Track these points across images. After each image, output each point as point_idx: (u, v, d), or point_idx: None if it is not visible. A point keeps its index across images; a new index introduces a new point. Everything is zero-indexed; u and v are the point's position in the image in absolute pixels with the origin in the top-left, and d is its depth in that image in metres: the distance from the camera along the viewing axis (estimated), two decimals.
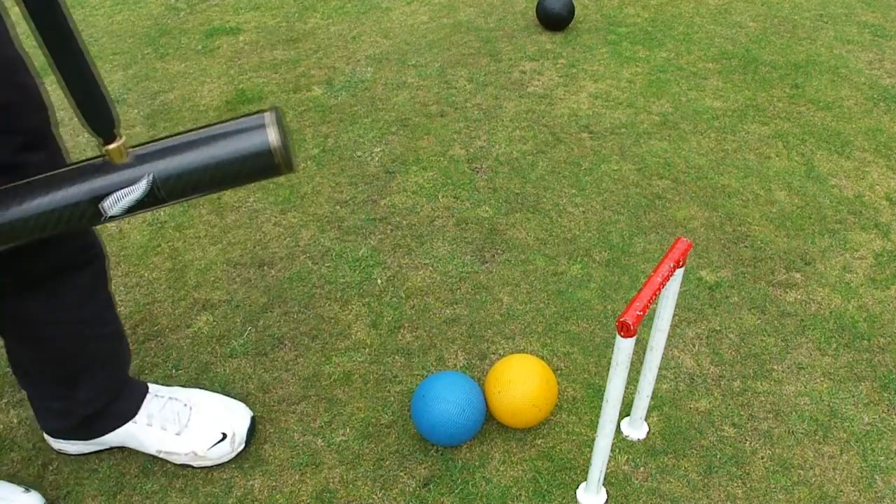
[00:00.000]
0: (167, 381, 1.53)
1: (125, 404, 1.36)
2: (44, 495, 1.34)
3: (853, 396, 1.48)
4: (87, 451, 1.40)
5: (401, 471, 1.36)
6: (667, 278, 1.03)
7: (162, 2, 3.07)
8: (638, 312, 0.98)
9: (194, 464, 1.37)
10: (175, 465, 1.38)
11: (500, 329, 1.62)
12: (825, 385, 1.50)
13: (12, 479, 1.37)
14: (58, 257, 1.13)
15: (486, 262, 1.79)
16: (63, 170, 0.92)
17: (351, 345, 1.60)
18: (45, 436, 1.40)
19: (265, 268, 1.80)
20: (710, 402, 1.47)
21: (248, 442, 1.40)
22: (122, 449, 1.41)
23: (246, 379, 1.54)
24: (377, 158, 2.13)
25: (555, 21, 2.68)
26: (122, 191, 0.91)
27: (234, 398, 1.46)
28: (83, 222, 0.92)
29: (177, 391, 1.42)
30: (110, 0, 3.10)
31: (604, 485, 1.33)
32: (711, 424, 1.43)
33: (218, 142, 0.92)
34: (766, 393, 1.48)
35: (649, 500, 1.31)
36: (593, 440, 1.36)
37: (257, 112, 0.93)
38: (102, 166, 0.91)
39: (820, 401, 1.47)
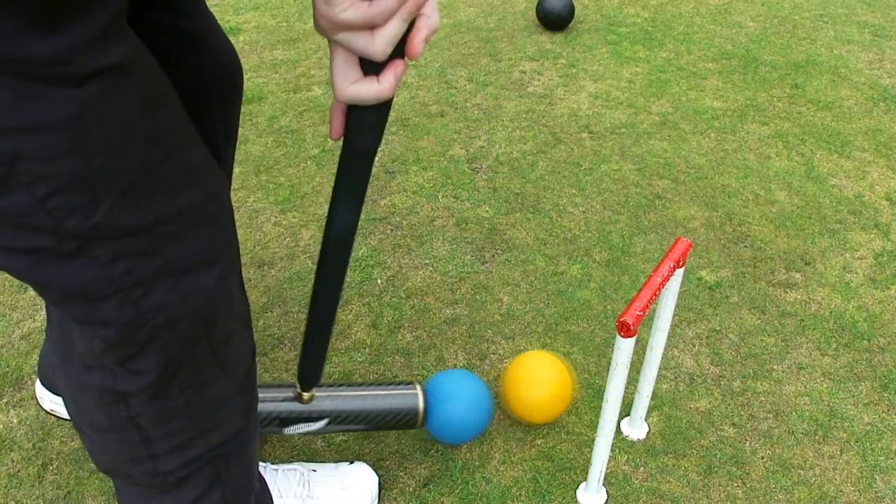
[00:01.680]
0: None
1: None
2: (43, 494, 1.34)
3: (853, 396, 1.48)
4: None
5: (401, 471, 1.36)
6: (667, 278, 1.03)
7: None
8: (638, 312, 0.98)
9: None
10: None
11: (500, 329, 1.62)
12: (825, 385, 1.50)
13: None
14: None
15: (486, 262, 1.79)
16: (269, 393, 1.21)
17: (351, 345, 1.60)
18: None
19: (265, 268, 1.79)
20: (710, 402, 1.47)
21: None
22: None
23: None
24: (377, 158, 2.14)
25: (555, 21, 2.68)
26: (305, 424, 1.23)
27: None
28: (269, 432, 1.23)
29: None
30: None
31: (604, 485, 1.33)
32: (711, 424, 1.43)
33: (379, 400, 1.25)
34: (766, 393, 1.48)
35: (649, 500, 1.31)
36: (593, 440, 1.36)
37: (408, 382, 1.29)
38: (292, 401, 1.19)
39: (820, 401, 1.47)
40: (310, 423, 1.23)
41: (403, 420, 1.28)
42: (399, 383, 1.30)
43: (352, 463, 1.32)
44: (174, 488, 0.91)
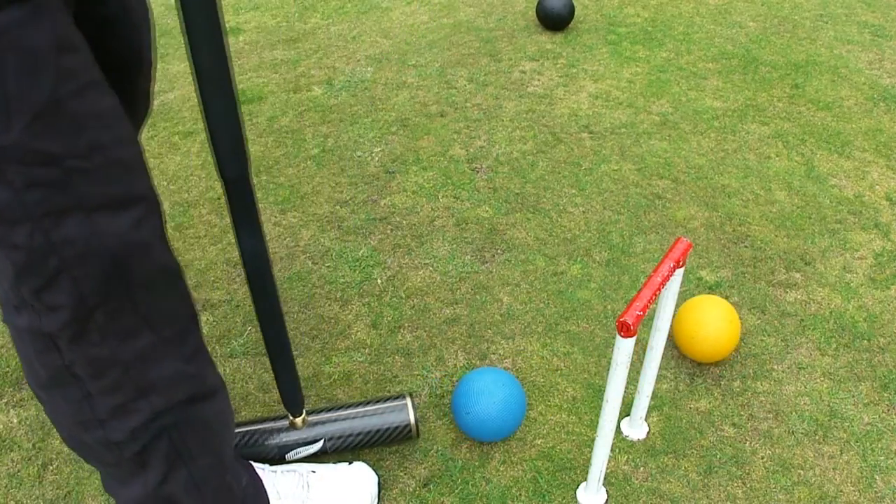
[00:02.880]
0: None
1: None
2: (43, 494, 1.34)
3: (853, 396, 1.48)
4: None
5: (401, 471, 1.36)
6: (667, 278, 1.03)
7: (162, 2, 3.07)
8: (638, 312, 0.98)
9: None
10: None
11: (500, 329, 1.62)
12: (825, 385, 1.50)
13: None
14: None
15: (486, 262, 1.79)
16: (262, 427, 1.27)
17: (351, 345, 1.60)
18: None
19: None
20: (710, 402, 1.47)
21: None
22: None
23: (246, 379, 1.54)
24: (377, 158, 2.13)
25: (555, 21, 2.68)
26: (303, 448, 1.27)
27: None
28: (274, 462, 1.27)
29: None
30: None
31: (604, 485, 1.33)
32: (711, 424, 1.43)
33: (372, 417, 1.30)
34: (766, 393, 1.48)
35: (649, 500, 1.31)
36: (593, 440, 1.36)
37: (398, 396, 1.34)
38: (287, 430, 1.26)
39: (820, 401, 1.47)
40: (308, 447, 1.28)
41: (397, 434, 1.32)
42: (389, 398, 1.34)
43: (351, 463, 1.32)
44: (139, 469, 0.96)
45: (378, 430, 1.31)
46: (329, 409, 1.33)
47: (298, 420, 1.26)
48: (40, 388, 0.91)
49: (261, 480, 1.20)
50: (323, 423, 1.30)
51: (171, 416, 0.93)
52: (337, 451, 1.31)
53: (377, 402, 1.34)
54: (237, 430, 1.28)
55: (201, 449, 1.00)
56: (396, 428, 1.31)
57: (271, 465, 1.25)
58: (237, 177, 0.92)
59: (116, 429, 0.91)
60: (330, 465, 1.30)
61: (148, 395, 0.90)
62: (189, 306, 0.94)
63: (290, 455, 1.27)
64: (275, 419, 1.31)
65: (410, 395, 1.34)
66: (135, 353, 0.87)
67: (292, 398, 1.22)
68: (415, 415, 1.31)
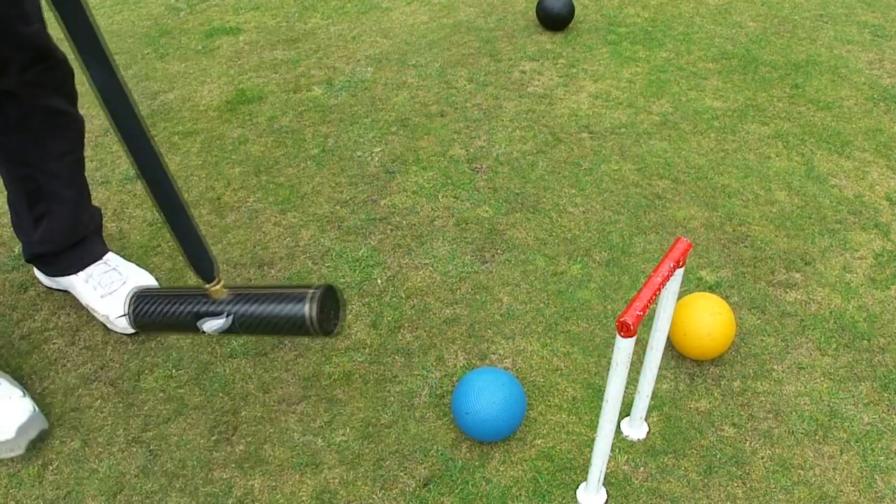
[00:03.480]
0: (167, 381, 1.53)
1: (71, 261, 1.64)
2: (43, 494, 1.34)
3: (853, 396, 1.48)
4: (50, 286, 1.74)
5: (401, 471, 1.36)
6: (667, 278, 1.03)
7: (162, 2, 3.07)
8: (638, 312, 0.98)
9: (108, 325, 1.63)
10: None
11: (500, 329, 1.62)
12: (825, 385, 1.50)
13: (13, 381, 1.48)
14: (41, 125, 1.46)
15: (486, 262, 1.79)
16: (180, 292, 1.26)
17: (351, 345, 1.60)
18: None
19: (265, 268, 1.79)
20: (710, 402, 1.47)
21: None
22: (121, 449, 1.41)
23: (246, 379, 1.54)
24: (377, 158, 2.13)
25: (555, 21, 2.68)
26: (213, 321, 1.23)
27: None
28: (189, 331, 1.26)
29: (126, 266, 1.69)
30: (110, 0, 3.10)
31: (604, 485, 1.33)
32: (711, 424, 1.43)
33: (275, 303, 1.20)
34: (766, 393, 1.48)
35: (649, 500, 1.31)
36: (593, 440, 1.36)
37: (307, 285, 1.22)
38: (204, 298, 1.23)
39: (820, 401, 1.47)
40: (217, 319, 1.23)
41: (294, 325, 1.21)
42: (302, 286, 1.24)
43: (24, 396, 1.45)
44: None
45: (276, 318, 1.22)
46: (247, 287, 1.30)
47: (211, 287, 1.22)
48: None
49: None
50: (234, 299, 1.24)
51: None
52: (245, 330, 1.24)
53: (289, 287, 1.25)
54: (167, 293, 1.29)
55: None
56: (293, 319, 1.20)
57: (187, 333, 1.37)
58: None
59: None
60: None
61: None
62: None
63: (204, 325, 1.24)
64: (197, 289, 1.29)
65: (325, 288, 1.22)
66: None
67: (198, 264, 1.20)
68: (317, 309, 1.19)
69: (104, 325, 1.65)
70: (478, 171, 2.08)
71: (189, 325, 1.25)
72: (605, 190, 1.99)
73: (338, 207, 1.96)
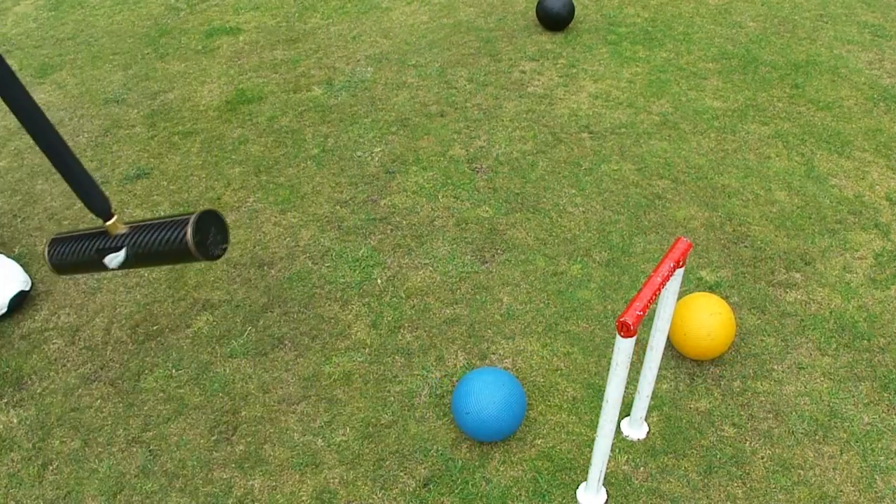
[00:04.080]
0: (167, 381, 1.53)
1: None
2: (43, 494, 1.34)
3: (853, 396, 1.48)
4: None
5: (401, 471, 1.36)
6: (667, 278, 1.03)
7: (162, 2, 3.07)
8: (638, 312, 0.98)
9: None
10: (174, 463, 1.38)
11: (500, 329, 1.62)
12: (825, 385, 1.50)
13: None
14: None
15: (486, 262, 1.79)
16: (86, 232, 1.39)
17: (351, 345, 1.60)
18: None
19: (265, 268, 1.79)
20: (710, 402, 1.47)
21: (10, 308, 1.67)
22: (121, 449, 1.41)
23: (246, 379, 1.54)
24: (377, 158, 2.13)
25: (555, 21, 2.68)
26: (112, 255, 1.35)
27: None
28: (98, 268, 1.38)
29: None
30: (110, 0, 3.10)
31: (604, 485, 1.32)
32: (711, 424, 1.43)
33: (162, 231, 1.31)
34: (766, 393, 1.48)
35: (649, 500, 1.31)
36: (593, 440, 1.36)
37: (190, 213, 1.32)
38: (105, 235, 1.35)
39: (820, 401, 1.47)
40: (117, 254, 1.35)
41: (178, 250, 1.31)
42: (186, 214, 1.34)
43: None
44: None
45: (161, 243, 1.32)
46: (142, 221, 1.38)
47: (110, 224, 1.34)
48: None
49: None
50: (129, 233, 1.35)
51: None
52: (141, 261, 1.35)
53: (172, 216, 1.35)
54: (75, 235, 1.42)
55: None
56: (175, 242, 1.31)
57: (97, 271, 1.41)
58: None
59: None
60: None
61: None
62: None
63: (107, 260, 1.35)
64: (97, 228, 1.41)
65: (211, 213, 1.34)
66: None
67: (92, 203, 1.32)
68: (192, 232, 1.30)
69: (105, 327, 1.65)
70: (478, 171, 2.08)
71: (95, 261, 1.36)
72: (605, 190, 1.99)
73: (338, 207, 1.96)
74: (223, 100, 2.41)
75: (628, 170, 2.06)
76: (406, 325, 1.64)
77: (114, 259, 1.35)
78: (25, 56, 2.72)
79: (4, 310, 1.66)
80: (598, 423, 1.17)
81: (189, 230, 1.28)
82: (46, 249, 1.41)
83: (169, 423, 1.46)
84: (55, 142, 1.25)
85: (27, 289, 1.71)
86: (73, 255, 1.39)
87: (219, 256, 1.35)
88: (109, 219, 1.34)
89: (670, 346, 1.55)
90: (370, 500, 1.32)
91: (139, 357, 1.59)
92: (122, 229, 1.35)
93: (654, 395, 1.47)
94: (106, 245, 1.35)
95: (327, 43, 2.72)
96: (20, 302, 1.69)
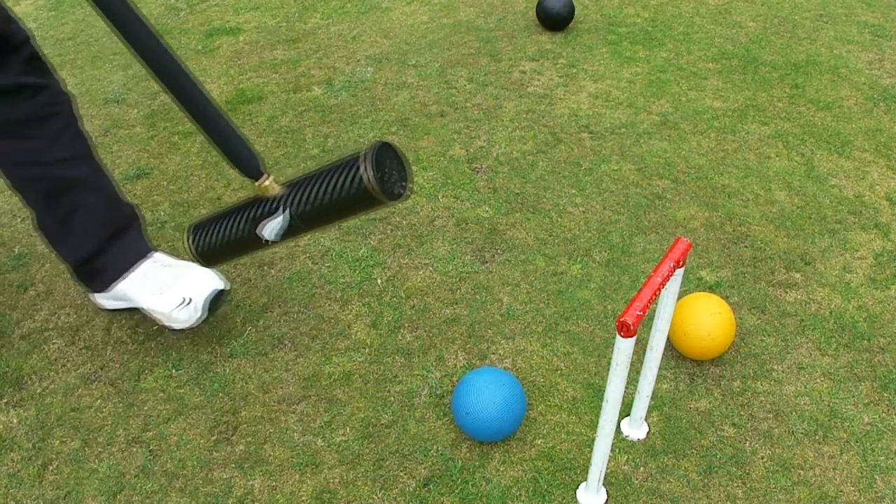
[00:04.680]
0: (167, 381, 1.53)
1: (117, 258, 1.55)
2: (43, 494, 1.34)
3: (853, 396, 1.48)
4: (113, 307, 1.63)
5: (401, 471, 1.36)
6: (667, 278, 1.03)
7: (162, 2, 3.07)
8: (638, 312, 0.98)
9: (169, 325, 1.55)
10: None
11: (500, 329, 1.62)
12: (825, 385, 1.50)
13: None
14: (21, 111, 1.39)
15: (486, 262, 1.79)
16: (232, 207, 1.17)
17: (351, 345, 1.60)
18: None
19: (265, 268, 1.79)
20: (710, 402, 1.47)
21: (211, 310, 1.54)
22: (121, 449, 1.41)
23: (246, 379, 1.54)
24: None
25: (555, 21, 2.68)
26: (271, 220, 1.11)
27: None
28: (255, 246, 1.14)
29: (177, 262, 1.59)
30: None
31: (604, 485, 1.33)
32: (711, 424, 1.43)
33: (330, 177, 1.07)
34: (766, 393, 1.48)
35: (649, 500, 1.31)
36: (593, 440, 1.36)
37: (356, 153, 1.08)
38: (256, 202, 1.11)
39: (820, 401, 1.47)
40: (276, 218, 1.14)
41: (356, 196, 1.11)
42: (356, 154, 1.15)
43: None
44: None
45: (334, 194, 1.11)
46: (295, 178, 1.19)
47: (263, 184, 1.12)
48: None
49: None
50: (286, 191, 1.15)
51: None
52: (308, 222, 1.13)
53: (339, 159, 1.16)
54: (221, 212, 1.22)
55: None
56: (350, 187, 1.09)
57: (258, 247, 1.22)
58: None
59: None
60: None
61: None
62: None
63: (265, 233, 1.14)
64: (251, 196, 1.20)
65: (378, 147, 1.12)
66: None
67: (241, 162, 1.10)
68: (373, 169, 1.08)
69: (105, 327, 1.65)
70: (478, 171, 2.08)
71: (251, 238, 1.15)
72: (605, 190, 1.99)
73: None
74: (223, 100, 2.41)
75: (628, 170, 2.06)
76: (406, 325, 1.64)
77: (273, 227, 1.12)
78: None
79: (202, 313, 1.53)
80: (598, 423, 1.17)
81: (368, 167, 1.05)
82: (189, 238, 1.20)
83: (169, 423, 1.46)
84: (190, 85, 1.05)
85: (226, 287, 1.57)
86: (223, 236, 1.17)
87: (404, 197, 1.11)
88: (260, 178, 1.10)
89: (670, 346, 1.55)
90: (370, 500, 1.32)
91: (139, 357, 1.59)
92: (278, 190, 1.12)
93: (654, 395, 1.47)
94: (261, 212, 1.13)
95: (327, 43, 2.72)
96: (218, 301, 1.56)
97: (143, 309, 1.57)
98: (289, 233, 1.14)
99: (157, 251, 1.61)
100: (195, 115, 1.08)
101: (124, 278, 1.56)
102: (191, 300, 1.52)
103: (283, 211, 1.11)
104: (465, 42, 2.69)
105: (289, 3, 3.02)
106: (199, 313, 1.53)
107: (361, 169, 1.06)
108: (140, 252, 1.59)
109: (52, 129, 1.45)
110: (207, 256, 1.22)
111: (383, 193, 1.06)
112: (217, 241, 1.19)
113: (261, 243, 1.15)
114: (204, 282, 1.54)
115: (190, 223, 1.19)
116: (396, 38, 2.73)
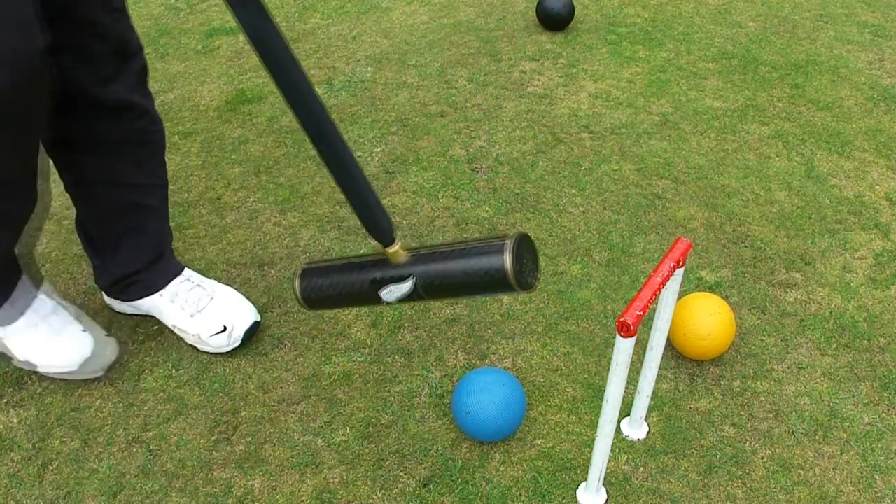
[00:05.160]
0: (167, 381, 1.53)
1: (154, 277, 1.56)
2: (43, 494, 1.34)
3: (853, 396, 1.48)
4: (127, 312, 1.65)
5: (401, 471, 1.36)
6: (667, 278, 1.03)
7: (162, 2, 3.07)
8: (638, 312, 0.98)
9: (199, 346, 1.56)
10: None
11: (500, 329, 1.62)
12: (825, 385, 1.50)
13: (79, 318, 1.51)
14: (122, 130, 1.37)
15: None
16: (359, 259, 1.17)
17: (351, 345, 1.60)
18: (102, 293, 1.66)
19: (265, 268, 1.79)
20: (710, 402, 1.47)
21: (244, 340, 1.56)
22: (121, 449, 1.41)
23: (246, 379, 1.54)
24: (377, 158, 2.13)
25: (555, 21, 2.68)
26: (394, 286, 1.13)
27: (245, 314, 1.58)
28: (368, 302, 1.15)
29: (207, 282, 1.61)
30: None
31: (604, 485, 1.33)
32: (711, 424, 1.43)
33: (466, 258, 1.09)
34: (766, 393, 1.48)
35: (649, 500, 1.31)
36: (593, 440, 1.36)
37: (501, 236, 1.09)
38: (382, 263, 1.14)
39: (820, 401, 1.47)
40: (400, 284, 1.14)
41: (490, 281, 1.10)
42: (493, 238, 1.13)
43: (109, 335, 1.51)
44: None
45: (471, 275, 1.10)
46: (428, 247, 1.17)
47: (391, 250, 1.12)
48: None
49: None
50: (415, 260, 1.14)
51: None
52: (431, 294, 1.14)
53: (478, 241, 1.13)
54: (339, 263, 1.20)
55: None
56: (488, 273, 1.09)
57: (372, 303, 1.18)
58: None
59: None
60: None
61: None
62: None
63: (385, 295, 1.14)
64: (376, 255, 1.18)
65: (520, 236, 1.10)
66: None
67: (375, 226, 1.11)
68: (514, 259, 1.08)
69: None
70: (478, 171, 2.08)
71: (367, 294, 1.15)
72: (605, 190, 1.99)
73: (338, 207, 1.96)
74: (223, 100, 2.41)
75: (628, 170, 2.06)
76: (406, 325, 1.64)
77: (395, 292, 1.13)
78: None
79: (238, 343, 1.54)
80: (598, 423, 1.17)
81: (508, 257, 1.06)
82: (298, 282, 1.18)
83: (169, 423, 1.46)
84: (340, 147, 1.04)
85: (259, 319, 1.59)
86: (337, 288, 1.16)
87: (533, 287, 1.12)
88: (392, 245, 1.12)
89: (670, 346, 1.55)
90: (370, 500, 1.32)
91: (139, 357, 1.59)
92: (404, 257, 1.12)
93: (654, 395, 1.47)
94: (386, 276, 1.13)
95: (327, 43, 2.72)
96: (252, 334, 1.58)
97: (169, 326, 1.58)
98: (407, 298, 1.15)
99: (185, 267, 1.62)
100: (339, 173, 1.07)
101: (156, 295, 1.57)
102: (231, 330, 1.53)
103: (411, 279, 1.12)
104: (465, 42, 2.69)
105: (289, 3, 3.02)
106: (235, 344, 1.55)
107: (507, 260, 1.06)
108: (174, 271, 1.59)
109: (140, 155, 1.44)
110: (311, 302, 1.20)
111: (518, 284, 1.07)
112: (329, 293, 1.18)
113: (375, 301, 1.16)
114: (244, 313, 1.56)
115: (301, 266, 1.17)
116: (396, 38, 2.73)
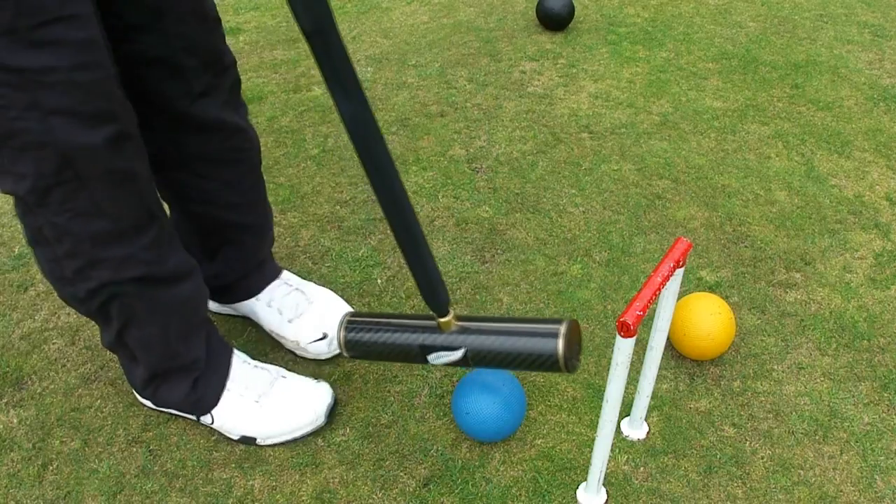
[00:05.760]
0: None
1: (252, 283, 1.53)
2: (43, 494, 1.34)
3: (853, 396, 1.48)
4: (222, 312, 1.63)
5: (401, 471, 1.36)
6: (667, 278, 1.03)
7: None
8: (638, 312, 0.98)
9: (297, 352, 1.53)
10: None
11: None
12: (825, 385, 1.50)
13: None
14: (213, 150, 1.33)
15: (486, 262, 1.79)
16: (409, 321, 1.19)
17: None
18: None
19: None
20: (710, 402, 1.47)
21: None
22: (121, 449, 1.41)
23: None
24: None
25: (555, 21, 2.68)
26: (444, 353, 1.17)
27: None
28: (413, 361, 1.19)
29: (307, 286, 1.57)
30: None
31: (604, 485, 1.33)
32: (711, 424, 1.43)
33: (518, 337, 1.12)
34: (766, 393, 1.48)
35: (649, 500, 1.31)
36: (593, 440, 1.36)
37: (554, 320, 1.12)
38: (432, 329, 1.17)
39: (820, 401, 1.47)
40: (451, 353, 1.17)
41: (538, 361, 1.13)
42: (545, 321, 1.16)
43: (318, 381, 1.43)
44: (105, 321, 1.26)
45: (522, 353, 1.14)
46: (479, 319, 1.20)
47: (444, 321, 1.15)
48: (29, 244, 1.18)
49: (223, 364, 1.41)
50: (467, 331, 1.17)
51: (120, 287, 1.18)
52: (478, 363, 1.18)
53: (530, 322, 1.17)
54: (388, 322, 1.21)
55: (150, 318, 1.25)
56: (539, 356, 1.12)
57: (417, 362, 1.20)
58: (314, 29, 0.89)
59: (80, 288, 1.18)
60: (299, 377, 1.45)
61: (97, 268, 1.15)
62: (145, 207, 1.15)
63: (433, 357, 1.17)
64: (426, 318, 1.20)
65: (571, 322, 1.13)
66: (88, 231, 1.10)
67: (432, 297, 1.13)
68: (566, 346, 1.10)
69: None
70: (478, 171, 2.08)
71: (414, 356, 1.18)
72: (605, 190, 1.99)
73: (338, 207, 1.96)
74: None
75: (628, 170, 2.06)
76: None
77: (443, 357, 1.16)
78: None
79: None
80: (598, 423, 1.17)
81: (561, 343, 1.08)
82: (343, 335, 1.19)
83: (169, 423, 1.46)
84: (413, 224, 1.05)
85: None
86: (385, 347, 1.18)
87: (576, 370, 1.15)
88: (445, 315, 1.15)
89: (670, 346, 1.55)
90: (370, 500, 1.32)
91: None
92: (455, 326, 1.15)
93: (654, 395, 1.47)
94: (435, 343, 1.16)
95: None
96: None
97: (267, 331, 1.55)
98: (453, 364, 1.18)
99: (284, 270, 1.58)
100: (408, 247, 1.09)
101: (253, 300, 1.54)
102: (332, 339, 1.49)
103: (462, 350, 1.16)
104: (465, 42, 2.69)
105: None
106: (335, 352, 1.52)
107: (559, 347, 1.09)
108: (271, 275, 1.55)
109: (233, 174, 1.38)
110: (355, 353, 1.22)
111: (566, 368, 1.11)
112: (375, 349, 1.19)
113: (421, 362, 1.19)
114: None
115: (346, 317, 1.18)
116: (396, 38, 2.73)
